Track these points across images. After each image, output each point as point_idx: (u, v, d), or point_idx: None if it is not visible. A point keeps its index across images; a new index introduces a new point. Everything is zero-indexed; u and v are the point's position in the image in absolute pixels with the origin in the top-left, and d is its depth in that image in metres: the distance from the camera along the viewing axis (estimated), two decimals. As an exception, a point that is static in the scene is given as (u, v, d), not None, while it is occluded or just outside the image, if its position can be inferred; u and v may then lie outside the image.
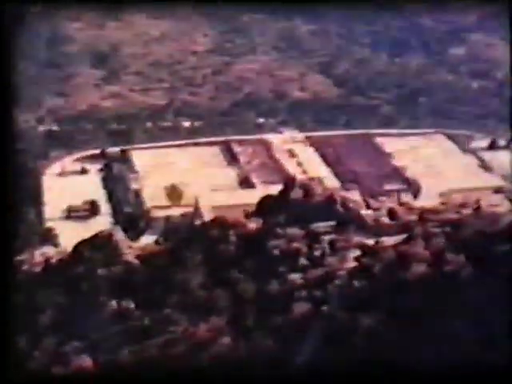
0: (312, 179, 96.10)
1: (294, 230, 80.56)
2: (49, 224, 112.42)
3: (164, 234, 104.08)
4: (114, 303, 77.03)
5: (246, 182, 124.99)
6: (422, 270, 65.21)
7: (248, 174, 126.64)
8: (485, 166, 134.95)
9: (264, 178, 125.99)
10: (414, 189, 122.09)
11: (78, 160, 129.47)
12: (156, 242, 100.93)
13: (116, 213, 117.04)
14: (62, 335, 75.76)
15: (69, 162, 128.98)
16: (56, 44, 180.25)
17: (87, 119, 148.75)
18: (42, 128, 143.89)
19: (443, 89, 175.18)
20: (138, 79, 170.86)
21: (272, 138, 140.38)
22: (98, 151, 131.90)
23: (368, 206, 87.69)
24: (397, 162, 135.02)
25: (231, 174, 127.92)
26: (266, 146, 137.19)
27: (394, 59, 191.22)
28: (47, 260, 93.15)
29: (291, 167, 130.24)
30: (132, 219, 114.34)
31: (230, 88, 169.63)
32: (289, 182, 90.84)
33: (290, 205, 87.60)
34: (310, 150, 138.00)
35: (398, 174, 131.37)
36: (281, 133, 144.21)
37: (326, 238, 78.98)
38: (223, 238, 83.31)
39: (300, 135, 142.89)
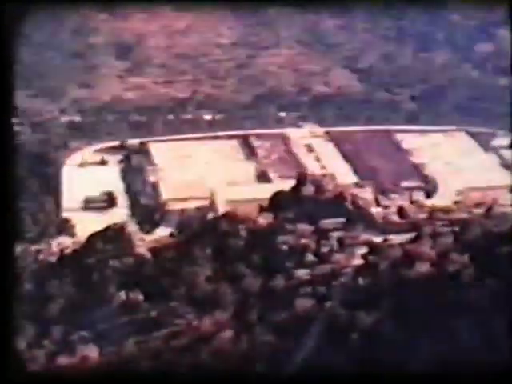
0: (324, 176, 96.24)
1: (304, 226, 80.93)
2: (66, 214, 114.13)
3: (178, 226, 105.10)
4: (122, 294, 78.20)
5: (263, 177, 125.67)
6: (426, 269, 65.22)
7: (265, 169, 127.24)
8: (505, 165, 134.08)
9: (281, 173, 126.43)
10: (431, 186, 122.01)
11: (98, 151, 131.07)
12: (170, 234, 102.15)
13: (133, 205, 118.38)
14: (70, 324, 77.03)
15: (89, 153, 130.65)
16: (82, 35, 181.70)
17: (110, 110, 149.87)
18: (64, 118, 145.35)
19: (468, 85, 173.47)
20: (162, 71, 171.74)
21: (291, 132, 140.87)
22: (117, 143, 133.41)
23: (378, 204, 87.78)
24: (416, 158, 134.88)
25: (249, 169, 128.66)
26: (285, 141, 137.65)
27: (419, 54, 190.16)
28: (62, 250, 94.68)
29: (309, 162, 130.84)
30: (148, 211, 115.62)
31: (252, 81, 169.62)
32: (301, 178, 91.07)
33: (301, 201, 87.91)
34: (329, 145, 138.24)
35: (416, 171, 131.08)
36: (300, 127, 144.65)
37: (335, 234, 79.25)
38: (233, 233, 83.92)
39: (320, 130, 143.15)
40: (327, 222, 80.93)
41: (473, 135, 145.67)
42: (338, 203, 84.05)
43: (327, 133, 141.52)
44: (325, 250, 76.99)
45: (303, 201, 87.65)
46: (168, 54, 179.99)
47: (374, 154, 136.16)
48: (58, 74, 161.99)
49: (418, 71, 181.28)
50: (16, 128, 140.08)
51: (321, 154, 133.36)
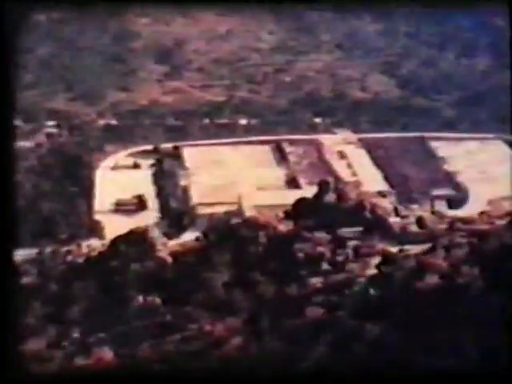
0: (347, 183, 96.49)
1: (321, 234, 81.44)
2: (98, 216, 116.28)
3: (205, 231, 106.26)
4: (140, 298, 79.69)
5: (292, 183, 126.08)
6: (435, 280, 65.15)
7: (296, 175, 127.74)
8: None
9: (311, 179, 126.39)
10: (463, 195, 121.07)
11: (131, 155, 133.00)
12: (196, 239, 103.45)
13: (163, 208, 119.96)
14: (89, 326, 78.76)
15: (122, 157, 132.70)
16: (123, 39, 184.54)
17: (146, 114, 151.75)
18: (101, 122, 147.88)
19: (508, 93, 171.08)
20: (200, 75, 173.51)
21: (324, 138, 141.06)
22: (151, 147, 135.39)
23: (397, 214, 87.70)
24: (449, 166, 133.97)
25: (279, 174, 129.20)
26: (317, 147, 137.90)
27: (460, 60, 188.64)
28: (88, 252, 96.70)
29: (340, 168, 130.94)
30: (177, 215, 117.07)
31: (289, 86, 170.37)
32: (323, 185, 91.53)
33: (322, 208, 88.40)
34: (362, 152, 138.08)
35: (448, 179, 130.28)
36: (334, 133, 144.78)
37: (351, 243, 79.59)
38: (253, 239, 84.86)
39: (353, 136, 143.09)
40: (345, 231, 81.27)
41: (510, 144, 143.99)
42: (357, 212, 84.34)
43: (360, 139, 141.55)
44: (340, 258, 77.38)
45: (324, 208, 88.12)
46: (207, 58, 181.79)
47: (407, 161, 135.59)
48: (97, 78, 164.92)
49: (459, 78, 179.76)
50: (53, 130, 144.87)
51: (352, 161, 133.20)
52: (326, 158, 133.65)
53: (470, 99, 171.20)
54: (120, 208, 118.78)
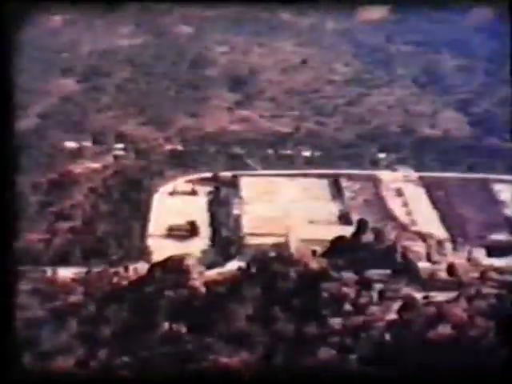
0: (386, 224, 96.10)
1: (349, 275, 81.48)
2: (149, 240, 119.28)
3: (248, 262, 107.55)
4: (166, 325, 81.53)
5: (344, 218, 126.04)
6: (447, 331, 64.30)
7: (349, 210, 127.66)
8: None
9: (364, 216, 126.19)
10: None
11: (190, 181, 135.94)
12: (238, 269, 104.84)
13: (214, 236, 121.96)
14: (116, 349, 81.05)
15: (181, 183, 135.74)
16: (199, 66, 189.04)
17: (212, 141, 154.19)
18: (167, 147, 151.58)
19: None
20: (270, 105, 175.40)
21: (384, 174, 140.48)
22: (210, 174, 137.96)
23: (429, 259, 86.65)
24: (510, 211, 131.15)
25: (333, 209, 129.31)
26: (375, 183, 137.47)
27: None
28: (133, 276, 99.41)
29: (395, 207, 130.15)
30: (227, 244, 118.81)
31: (358, 120, 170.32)
32: (361, 225, 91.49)
33: (357, 248, 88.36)
34: (420, 191, 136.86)
35: (507, 223, 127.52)
36: (394, 170, 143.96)
37: (377, 286, 79.29)
38: (284, 275, 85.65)
39: (414, 174, 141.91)
40: (373, 273, 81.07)
41: None
42: (389, 254, 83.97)
43: (421, 178, 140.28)
44: (363, 301, 77.23)
45: (358, 248, 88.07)
46: (279, 88, 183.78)
47: (466, 202, 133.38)
48: (169, 104, 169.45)
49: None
50: (121, 153, 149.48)
51: (409, 200, 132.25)
52: (382, 195, 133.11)
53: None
54: (172, 233, 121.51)
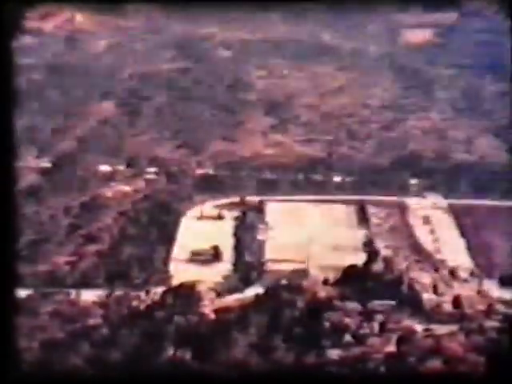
0: (397, 254, 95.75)
1: (353, 305, 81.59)
2: (172, 264, 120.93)
3: (267, 288, 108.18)
4: (171, 350, 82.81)
5: (369, 245, 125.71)
6: (437, 365, 63.92)
7: (374, 238, 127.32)
8: None
9: (389, 243, 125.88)
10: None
11: (217, 206, 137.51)
12: (256, 295, 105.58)
13: (237, 261, 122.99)
14: (123, 372, 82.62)
15: (209, 207, 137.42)
16: (236, 90, 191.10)
17: (244, 166, 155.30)
18: (199, 171, 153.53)
19: None
20: (305, 130, 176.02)
21: (411, 201, 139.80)
22: (237, 199, 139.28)
23: (435, 291, 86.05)
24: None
25: (358, 235, 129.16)
26: (402, 210, 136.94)
27: None
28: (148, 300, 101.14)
29: (421, 234, 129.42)
30: (247, 269, 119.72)
31: (392, 145, 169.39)
32: (372, 254, 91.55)
33: (366, 278, 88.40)
34: (449, 218, 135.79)
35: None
36: (424, 197, 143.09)
37: (379, 317, 79.17)
38: (291, 303, 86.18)
39: (443, 201, 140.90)
40: (376, 303, 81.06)
41: None
42: (395, 285, 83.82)
43: (450, 205, 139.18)
44: (364, 332, 77.25)
45: (368, 278, 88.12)
46: (315, 112, 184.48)
47: (495, 230, 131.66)
48: (204, 127, 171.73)
49: None
50: (152, 177, 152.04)
51: (436, 227, 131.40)
52: (408, 222, 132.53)
53: None
54: (196, 258, 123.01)
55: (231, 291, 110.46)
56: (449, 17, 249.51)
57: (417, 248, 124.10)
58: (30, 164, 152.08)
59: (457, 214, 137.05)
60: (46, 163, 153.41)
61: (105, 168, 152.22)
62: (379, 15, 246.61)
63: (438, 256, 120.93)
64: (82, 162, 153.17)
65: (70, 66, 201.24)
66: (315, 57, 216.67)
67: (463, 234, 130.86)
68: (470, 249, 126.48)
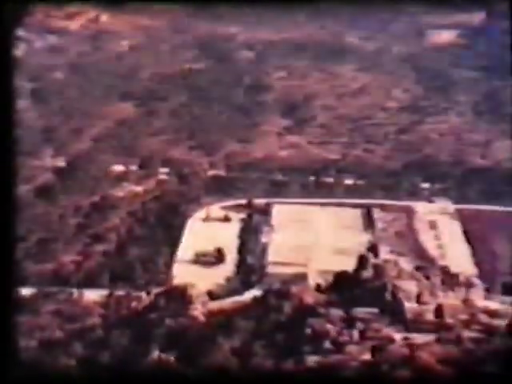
0: (386, 261, 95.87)
1: (336, 312, 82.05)
2: (175, 266, 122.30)
3: (265, 291, 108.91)
4: (156, 353, 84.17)
5: (372, 250, 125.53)
6: (406, 375, 64.18)
7: (378, 242, 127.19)
8: None
9: (393, 248, 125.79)
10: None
11: (224, 208, 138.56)
12: (254, 298, 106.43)
13: (240, 263, 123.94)
14: (111, 373, 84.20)
15: (216, 209, 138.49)
16: (254, 91, 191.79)
17: (256, 167, 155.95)
18: (211, 172, 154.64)
19: None
20: (321, 131, 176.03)
21: (419, 206, 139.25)
22: (244, 201, 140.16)
23: (419, 299, 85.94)
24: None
25: (363, 240, 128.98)
26: (409, 214, 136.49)
27: None
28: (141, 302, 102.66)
29: (426, 240, 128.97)
30: (249, 272, 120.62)
31: (407, 148, 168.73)
32: (362, 260, 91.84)
33: (356, 285, 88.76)
34: (455, 224, 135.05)
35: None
36: (432, 202, 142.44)
37: (360, 325, 79.53)
38: (278, 308, 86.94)
39: (450, 207, 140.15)
40: (359, 311, 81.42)
41: None
42: (379, 293, 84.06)
43: (458, 210, 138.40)
44: (343, 339, 77.71)
45: (356, 285, 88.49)
46: (332, 114, 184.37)
47: (501, 236, 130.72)
48: (220, 129, 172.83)
49: None
50: (164, 177, 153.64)
51: (442, 233, 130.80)
52: (414, 227, 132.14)
53: None
54: (199, 259, 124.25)
55: (231, 294, 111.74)
56: (475, 18, 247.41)
57: (420, 253, 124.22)
58: (46, 163, 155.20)
59: (464, 219, 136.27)
60: (61, 162, 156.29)
61: (118, 168, 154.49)
62: (405, 15, 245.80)
63: (442, 262, 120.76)
64: (96, 162, 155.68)
65: (92, 66, 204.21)
66: (337, 57, 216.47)
67: (469, 240, 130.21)
68: (475, 255, 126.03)
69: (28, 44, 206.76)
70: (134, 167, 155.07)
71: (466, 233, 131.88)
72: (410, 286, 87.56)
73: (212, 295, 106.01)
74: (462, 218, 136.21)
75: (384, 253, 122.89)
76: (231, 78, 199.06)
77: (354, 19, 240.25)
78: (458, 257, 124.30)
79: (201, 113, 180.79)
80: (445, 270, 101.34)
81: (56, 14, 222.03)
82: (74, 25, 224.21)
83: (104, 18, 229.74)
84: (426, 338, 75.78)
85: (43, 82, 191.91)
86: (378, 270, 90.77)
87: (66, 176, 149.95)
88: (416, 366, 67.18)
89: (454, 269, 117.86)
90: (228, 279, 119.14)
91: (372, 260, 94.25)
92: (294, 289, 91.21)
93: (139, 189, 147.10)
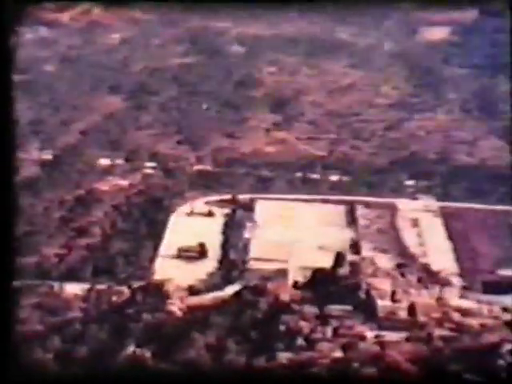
0: (363, 259, 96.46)
1: (311, 309, 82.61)
2: (158, 260, 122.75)
3: (244, 287, 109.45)
4: (131, 349, 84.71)
5: (354, 247, 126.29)
6: (373, 373, 64.78)
7: (360, 239, 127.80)
8: None
9: (375, 245, 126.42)
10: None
11: (208, 203, 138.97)
12: (235, 294, 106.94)
13: (222, 259, 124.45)
14: (85, 369, 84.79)
15: (200, 204, 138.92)
16: (244, 86, 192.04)
17: (242, 163, 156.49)
18: (197, 167, 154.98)
19: None
20: (309, 128, 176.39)
21: (402, 203, 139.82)
22: (229, 196, 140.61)
23: (393, 297, 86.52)
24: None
25: (345, 237, 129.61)
26: (392, 212, 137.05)
27: None
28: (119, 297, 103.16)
29: (408, 237, 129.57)
30: (231, 267, 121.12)
31: (394, 145, 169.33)
32: (339, 257, 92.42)
33: (332, 282, 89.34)
34: (438, 221, 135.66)
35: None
36: (415, 199, 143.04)
37: (333, 322, 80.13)
38: (254, 305, 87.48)
39: (434, 204, 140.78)
40: (333, 308, 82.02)
41: None
42: (353, 290, 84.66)
43: (441, 208, 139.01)
44: (316, 336, 78.30)
45: (332, 282, 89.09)
46: (321, 110, 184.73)
47: (483, 234, 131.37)
48: (208, 123, 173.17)
49: None
50: (150, 171, 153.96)
51: (424, 230, 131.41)
52: (396, 225, 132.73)
53: None
54: (182, 254, 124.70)
55: (212, 289, 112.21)
56: (468, 15, 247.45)
57: (402, 251, 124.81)
58: (32, 156, 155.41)
59: (448, 217, 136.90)
60: (47, 155, 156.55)
61: (104, 162, 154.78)
62: (397, 12, 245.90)
63: (423, 260, 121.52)
64: (83, 155, 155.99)
65: (82, 59, 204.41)
66: (328, 53, 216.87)
67: (451, 238, 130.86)
68: (456, 253, 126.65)
69: (18, 36, 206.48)
70: (120, 161, 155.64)
71: (448, 231, 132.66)
72: (384, 284, 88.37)
73: (193, 290, 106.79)
74: (446, 215, 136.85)
75: (366, 250, 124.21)
76: (221, 72, 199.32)
77: (345, 15, 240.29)
78: (440, 254, 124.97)
79: (188, 108, 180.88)
80: (425, 268, 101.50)
81: (47, 6, 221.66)
82: (65, 17, 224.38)
83: (96, 10, 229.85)
84: (397, 336, 76.49)
85: (33, 74, 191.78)
86: (354, 268, 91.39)
87: (52, 169, 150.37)
88: (384, 364, 67.71)
89: (434, 266, 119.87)
90: (210, 274, 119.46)
91: (349, 257, 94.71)
92: (271, 285, 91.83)
93: (124, 183, 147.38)
